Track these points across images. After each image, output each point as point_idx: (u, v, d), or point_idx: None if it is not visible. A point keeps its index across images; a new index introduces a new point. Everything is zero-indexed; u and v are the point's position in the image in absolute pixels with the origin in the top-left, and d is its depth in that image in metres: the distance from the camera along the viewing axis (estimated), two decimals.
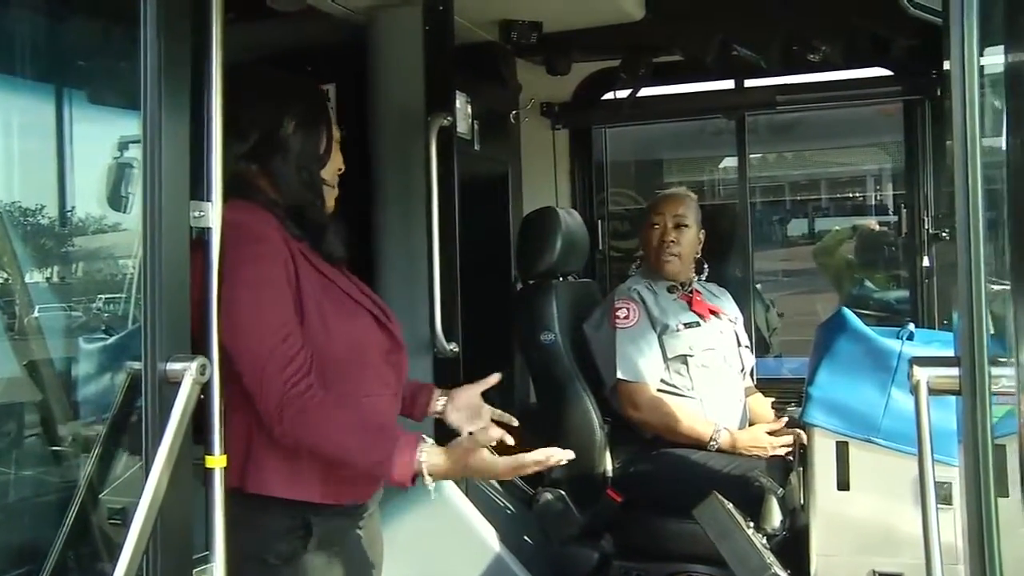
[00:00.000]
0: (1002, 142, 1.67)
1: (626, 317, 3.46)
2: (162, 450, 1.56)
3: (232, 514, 1.78)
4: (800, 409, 2.82)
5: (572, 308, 3.57)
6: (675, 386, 3.43)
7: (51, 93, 2.78)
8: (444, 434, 2.24)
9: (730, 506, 2.74)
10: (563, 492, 3.30)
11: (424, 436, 1.95)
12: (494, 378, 2.24)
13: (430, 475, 1.88)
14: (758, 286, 4.96)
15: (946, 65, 1.47)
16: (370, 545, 2.12)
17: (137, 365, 1.63)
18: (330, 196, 2.13)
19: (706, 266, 3.72)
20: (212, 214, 1.76)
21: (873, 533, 2.51)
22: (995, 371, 1.45)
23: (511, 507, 3.38)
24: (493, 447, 1.97)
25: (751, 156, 4.63)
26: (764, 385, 3.92)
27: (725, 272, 4.57)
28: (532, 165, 4.17)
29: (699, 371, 3.46)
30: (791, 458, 3.22)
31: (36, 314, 2.54)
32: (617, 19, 3.54)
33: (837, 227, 7.22)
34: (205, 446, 1.76)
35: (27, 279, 2.60)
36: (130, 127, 2.49)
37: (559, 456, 1.98)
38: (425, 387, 2.33)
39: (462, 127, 3.23)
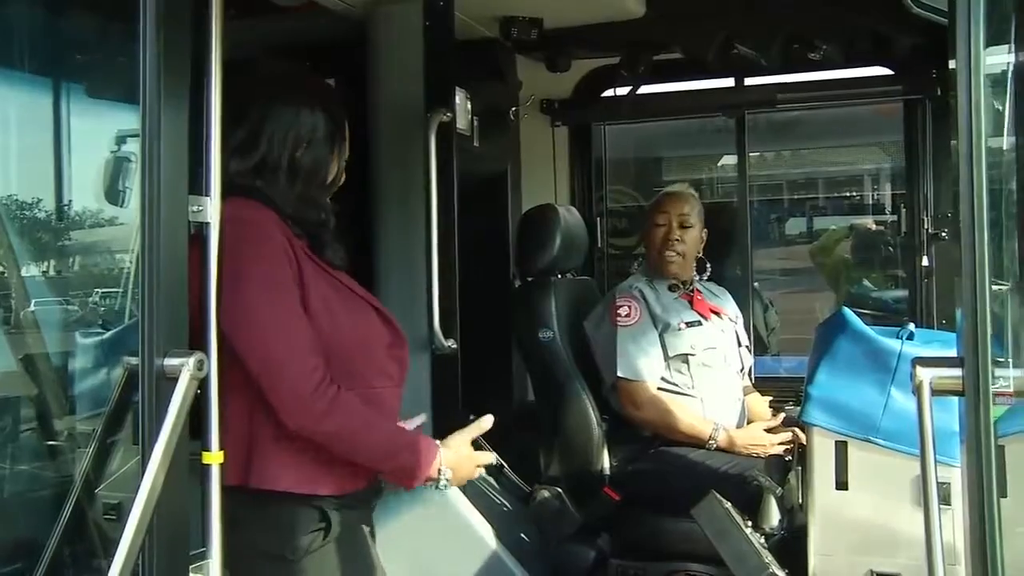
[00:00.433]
0: (1003, 142, 1.66)
1: (627, 315, 3.45)
2: (159, 445, 1.56)
3: (240, 512, 1.78)
4: (798, 408, 2.82)
5: (571, 306, 3.56)
6: (676, 384, 3.43)
7: (49, 86, 2.77)
8: None
9: (728, 505, 2.74)
10: (560, 490, 3.30)
11: (438, 442, 2.06)
12: (487, 422, 2.23)
13: (446, 480, 2.03)
14: (755, 285, 4.94)
15: (951, 64, 1.46)
16: (373, 537, 2.13)
17: (134, 360, 1.63)
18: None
19: (708, 265, 3.71)
20: (211, 209, 1.76)
21: (871, 533, 2.51)
22: (995, 371, 1.45)
23: (508, 504, 3.37)
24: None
25: (750, 155, 4.61)
26: (761, 384, 3.92)
27: (724, 271, 4.56)
28: (531, 162, 4.16)
29: (700, 370, 3.45)
30: (790, 457, 3.22)
31: (33, 308, 2.53)
32: (618, 16, 3.54)
33: (834, 226, 7.23)
34: (202, 442, 1.75)
35: (24, 273, 2.59)
36: (128, 121, 2.48)
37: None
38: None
39: (462, 123, 3.23)
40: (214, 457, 1.75)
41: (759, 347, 4.89)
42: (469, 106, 3.31)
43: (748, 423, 3.53)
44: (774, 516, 2.88)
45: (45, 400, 2.35)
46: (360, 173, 3.20)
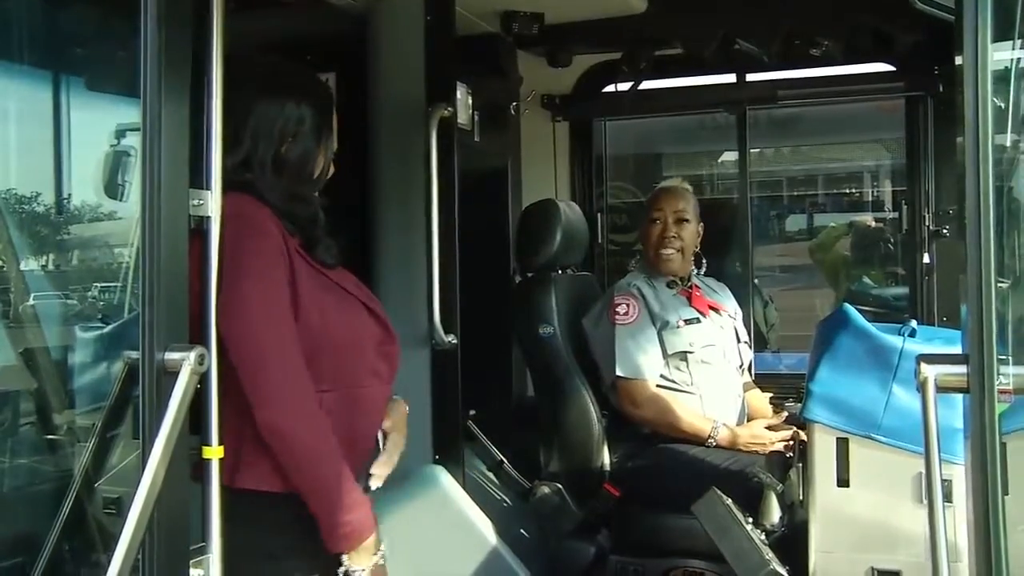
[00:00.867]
0: (1007, 139, 1.66)
1: (625, 313, 3.44)
2: (159, 440, 1.55)
3: (226, 510, 1.77)
4: (799, 405, 2.81)
5: (571, 301, 3.56)
6: (675, 382, 3.42)
7: (49, 80, 2.76)
8: None
9: (729, 502, 2.73)
10: (560, 486, 3.30)
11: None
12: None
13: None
14: (755, 281, 4.94)
15: (958, 60, 1.45)
16: None
17: (135, 354, 1.62)
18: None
19: (704, 260, 3.71)
20: (211, 202, 1.75)
21: (872, 530, 2.51)
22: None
23: (508, 500, 3.37)
24: None
25: (750, 151, 4.61)
26: (762, 380, 3.91)
27: (724, 267, 4.56)
28: (532, 157, 4.16)
29: (699, 367, 3.45)
30: (791, 454, 3.22)
31: (32, 302, 2.53)
32: (619, 11, 3.53)
33: (833, 223, 7.23)
34: (201, 437, 1.74)
35: (23, 267, 2.59)
36: (128, 115, 2.48)
37: None
38: None
39: (463, 118, 3.22)
40: (214, 452, 1.75)
41: (759, 343, 4.89)
42: (470, 101, 3.30)
43: (749, 420, 3.53)
44: (775, 513, 2.87)
45: (45, 394, 2.35)
46: (360, 168, 3.20)
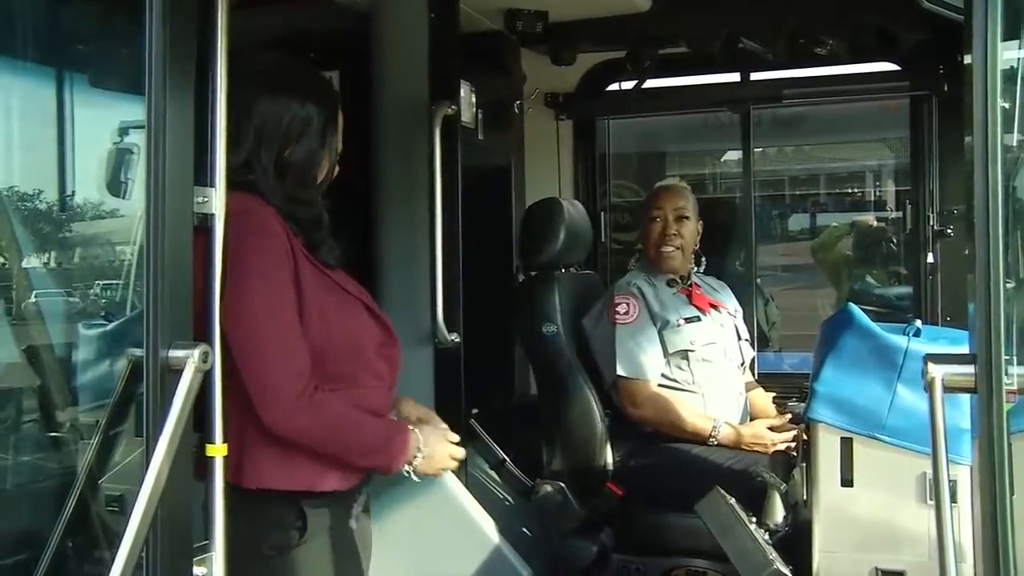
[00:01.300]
0: (1013, 139, 1.65)
1: (626, 312, 3.44)
2: (163, 438, 1.55)
3: (232, 508, 1.77)
4: (802, 404, 2.81)
5: (574, 300, 3.55)
6: (676, 380, 3.42)
7: (52, 77, 2.76)
8: None
9: (732, 501, 2.73)
10: (563, 484, 3.29)
11: (410, 426, 2.06)
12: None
13: (422, 458, 2.03)
14: (757, 280, 4.93)
15: (967, 59, 1.45)
16: (361, 536, 2.11)
17: (139, 352, 1.61)
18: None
19: (703, 258, 3.70)
20: (216, 200, 1.75)
21: (876, 530, 2.50)
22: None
23: (510, 499, 3.37)
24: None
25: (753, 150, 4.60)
26: (765, 380, 3.91)
27: (727, 266, 4.55)
28: (536, 156, 4.16)
29: (700, 365, 3.44)
30: (794, 453, 3.20)
31: (35, 299, 2.53)
32: (623, 10, 3.53)
33: (835, 223, 7.22)
34: (205, 434, 1.74)
35: (26, 264, 2.58)
36: (131, 112, 2.48)
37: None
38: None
39: (466, 116, 3.21)
40: (218, 450, 1.74)
41: (760, 342, 4.88)
42: (474, 99, 3.29)
43: (752, 419, 3.52)
44: (778, 512, 2.86)
45: (48, 392, 2.34)
46: (364, 166, 3.19)
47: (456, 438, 2.18)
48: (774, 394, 3.73)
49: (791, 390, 3.80)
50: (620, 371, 3.38)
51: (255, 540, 1.90)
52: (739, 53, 3.70)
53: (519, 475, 3.41)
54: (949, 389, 1.50)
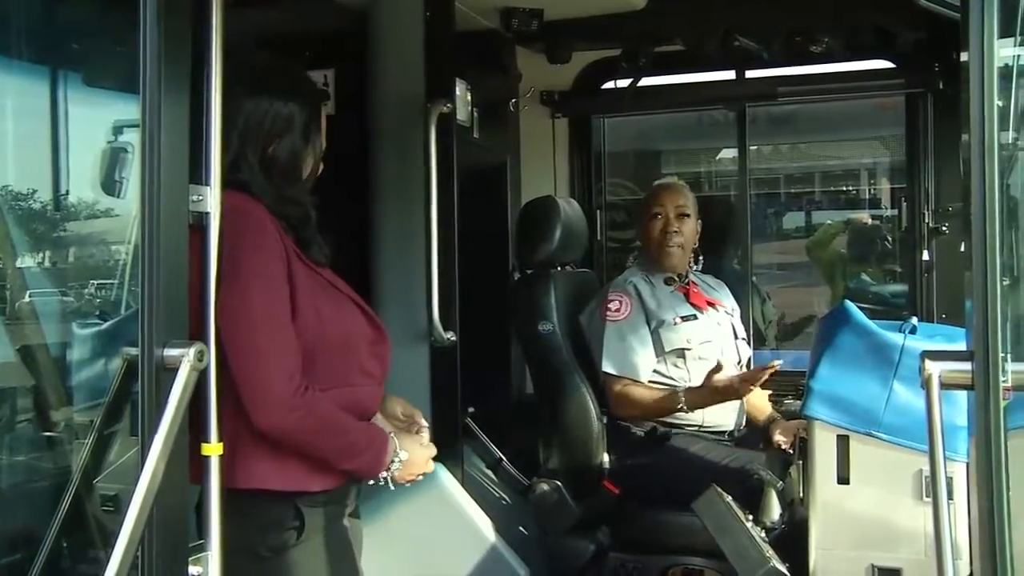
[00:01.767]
0: (1007, 136, 1.65)
1: (617, 310, 3.44)
2: (159, 437, 1.54)
3: (226, 508, 1.76)
4: (798, 402, 2.81)
5: (570, 298, 3.55)
6: (673, 379, 3.42)
7: (47, 75, 2.75)
8: None
9: (729, 499, 2.73)
10: (559, 483, 3.29)
11: (389, 430, 2.05)
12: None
13: (399, 463, 2.02)
14: (753, 279, 4.93)
15: (963, 56, 1.45)
16: (354, 535, 2.12)
17: (134, 351, 1.61)
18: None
19: (701, 257, 3.70)
20: (211, 198, 1.74)
21: (873, 528, 2.50)
22: None
23: (507, 497, 3.37)
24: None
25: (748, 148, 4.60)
26: None
27: (722, 265, 4.55)
28: (531, 154, 4.15)
29: (696, 363, 3.44)
30: (791, 451, 3.21)
31: (29, 298, 2.52)
32: (618, 8, 3.52)
33: (829, 221, 7.22)
34: (201, 433, 1.73)
35: (21, 263, 2.58)
36: (126, 110, 2.47)
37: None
38: None
39: (462, 115, 3.21)
40: (213, 449, 1.74)
41: (757, 340, 4.88)
42: (469, 97, 3.30)
43: (748, 417, 3.53)
44: (775, 510, 2.87)
45: (43, 391, 2.34)
46: (360, 164, 3.19)
47: (427, 440, 2.16)
48: (770, 392, 3.72)
49: (787, 388, 3.80)
50: (603, 367, 3.39)
51: (252, 541, 1.89)
52: (735, 51, 3.69)
53: (516, 474, 3.40)
54: (946, 386, 1.50)
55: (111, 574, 1.47)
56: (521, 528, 3.28)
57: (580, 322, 3.52)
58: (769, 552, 2.61)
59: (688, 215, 3.59)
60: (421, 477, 2.12)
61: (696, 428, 3.38)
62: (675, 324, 3.46)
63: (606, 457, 3.38)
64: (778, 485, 2.93)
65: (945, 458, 1.58)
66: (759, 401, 3.64)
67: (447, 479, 3.01)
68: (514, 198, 3.85)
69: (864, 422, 2.50)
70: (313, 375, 1.90)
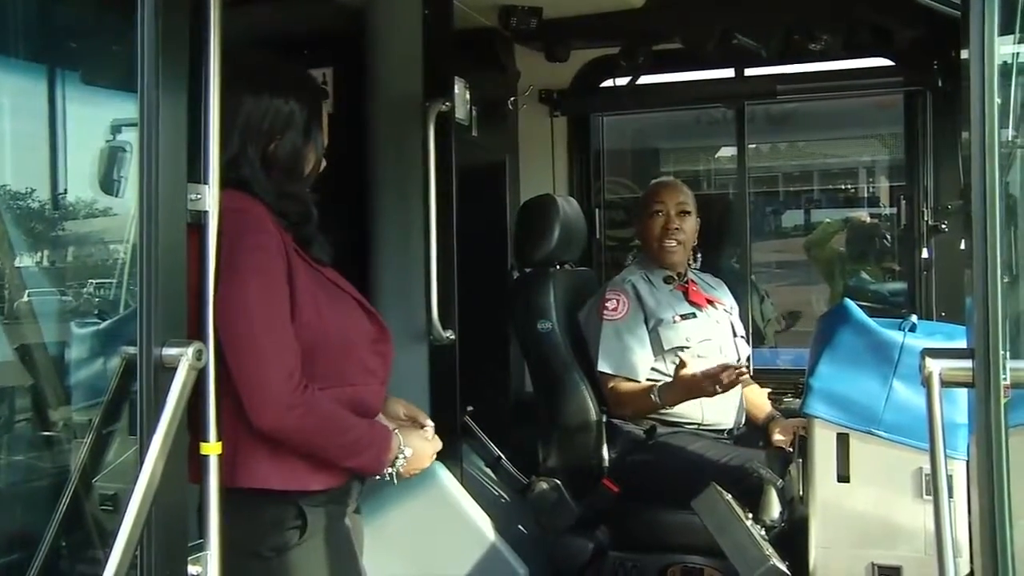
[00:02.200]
0: (1007, 134, 1.65)
1: (614, 309, 3.44)
2: (157, 436, 1.54)
3: (226, 508, 1.76)
4: (798, 400, 2.80)
5: (569, 296, 3.55)
6: (671, 377, 3.41)
7: (44, 74, 2.75)
8: None
9: (729, 497, 2.73)
10: (558, 481, 3.28)
11: (392, 426, 2.05)
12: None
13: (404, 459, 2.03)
14: (752, 277, 4.93)
15: (964, 54, 1.45)
16: (356, 532, 2.12)
17: (132, 350, 1.61)
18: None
19: (699, 255, 3.70)
20: (209, 197, 1.74)
21: (873, 526, 2.50)
22: None
23: (506, 496, 3.37)
24: None
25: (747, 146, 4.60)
26: (760, 376, 3.90)
27: (721, 263, 4.55)
28: (530, 152, 4.15)
29: (695, 362, 3.43)
30: (791, 449, 3.21)
31: (28, 298, 2.52)
32: (617, 6, 3.52)
33: (828, 219, 7.22)
34: (199, 432, 1.73)
35: (19, 263, 2.58)
36: (124, 109, 2.47)
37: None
38: None
39: (460, 113, 3.21)
40: (212, 448, 1.74)
41: (756, 339, 4.88)
42: (468, 96, 3.29)
43: (748, 416, 3.52)
44: (775, 508, 2.86)
45: (42, 391, 2.34)
46: (358, 163, 3.19)
47: (431, 434, 2.17)
48: (769, 390, 3.72)
49: (786, 387, 3.80)
50: (599, 366, 3.38)
51: (254, 541, 1.89)
52: (733, 49, 3.69)
53: (515, 472, 3.40)
54: (947, 384, 1.50)
55: (110, 574, 1.47)
56: (520, 527, 3.28)
57: (579, 320, 3.52)
58: (769, 550, 2.61)
59: (689, 212, 3.58)
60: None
61: (696, 426, 3.38)
62: (674, 322, 3.46)
63: (605, 455, 3.37)
64: (778, 483, 2.93)
65: (945, 456, 1.58)
66: (758, 399, 3.64)
67: (446, 478, 3.00)
68: (513, 197, 3.85)
69: (864, 420, 2.49)
70: (315, 374, 1.90)
